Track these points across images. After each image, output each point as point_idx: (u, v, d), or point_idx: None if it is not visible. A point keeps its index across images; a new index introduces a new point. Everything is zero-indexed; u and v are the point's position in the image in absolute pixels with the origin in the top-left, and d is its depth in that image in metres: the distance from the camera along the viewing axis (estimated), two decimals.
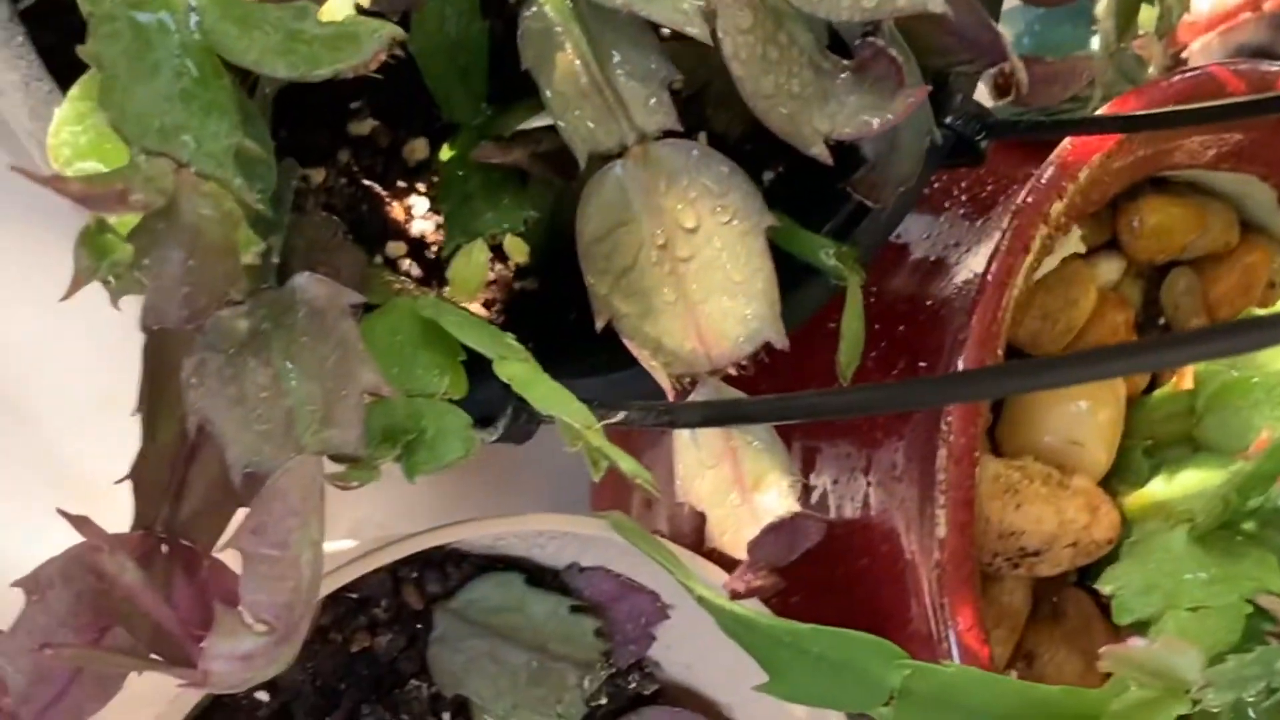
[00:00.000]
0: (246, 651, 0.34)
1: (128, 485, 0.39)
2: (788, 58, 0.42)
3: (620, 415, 0.38)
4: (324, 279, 0.37)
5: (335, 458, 0.36)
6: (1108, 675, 0.45)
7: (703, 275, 0.44)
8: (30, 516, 0.58)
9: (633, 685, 0.60)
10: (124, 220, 0.35)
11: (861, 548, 0.58)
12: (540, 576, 0.55)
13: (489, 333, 0.40)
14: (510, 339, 0.40)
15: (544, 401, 0.37)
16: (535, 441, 0.46)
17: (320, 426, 0.36)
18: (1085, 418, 0.57)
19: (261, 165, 0.34)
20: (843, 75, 0.44)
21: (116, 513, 0.38)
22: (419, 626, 0.54)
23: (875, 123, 0.43)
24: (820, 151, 0.43)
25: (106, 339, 0.55)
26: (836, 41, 0.45)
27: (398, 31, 0.34)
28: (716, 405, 0.40)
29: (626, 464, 0.37)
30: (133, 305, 0.35)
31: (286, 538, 0.35)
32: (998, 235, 0.53)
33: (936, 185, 0.62)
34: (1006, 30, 0.74)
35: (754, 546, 0.42)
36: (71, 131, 0.36)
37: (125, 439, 0.46)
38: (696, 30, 0.41)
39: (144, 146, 0.31)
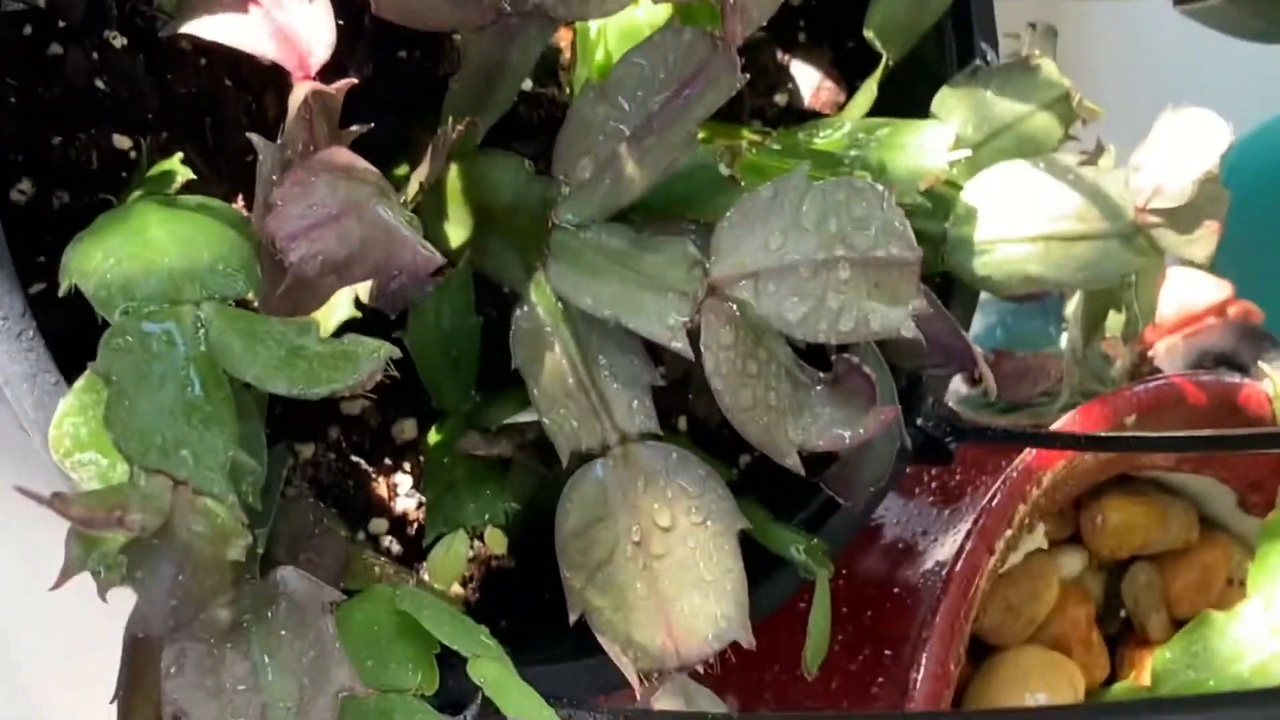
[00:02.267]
0: None
1: None
2: (766, 372, 0.44)
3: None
4: (305, 575, 0.38)
5: None
6: None
7: (676, 573, 0.45)
8: None
9: None
10: None
11: None
12: None
13: (464, 630, 0.41)
14: (485, 635, 0.41)
15: (515, 708, 0.38)
16: None
17: None
18: None
19: (254, 470, 0.36)
20: (818, 387, 0.45)
21: None
22: None
23: (848, 436, 0.45)
24: (794, 463, 0.44)
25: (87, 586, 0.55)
26: (813, 349, 0.47)
27: (394, 351, 0.36)
28: (684, 717, 0.41)
29: None
30: None
31: None
32: (964, 531, 0.55)
33: (909, 470, 0.64)
34: (979, 320, 0.77)
35: None
36: (73, 423, 0.38)
37: (104, 684, 0.46)
38: (680, 346, 0.43)
39: (144, 464, 0.33)
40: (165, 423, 0.34)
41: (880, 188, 0.44)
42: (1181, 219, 0.51)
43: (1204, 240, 0.52)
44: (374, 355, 0.35)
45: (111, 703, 0.38)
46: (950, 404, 0.68)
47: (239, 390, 0.37)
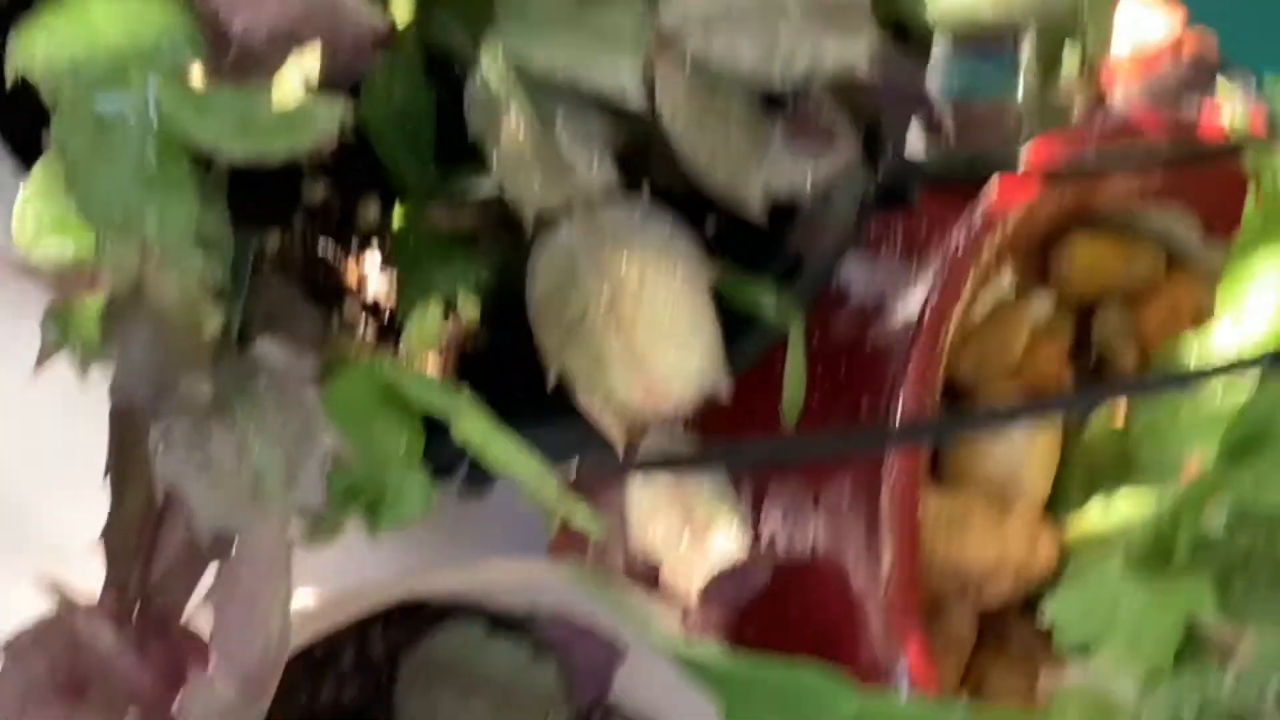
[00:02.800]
0: (218, 710, 0.36)
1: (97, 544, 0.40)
2: (724, 122, 0.44)
3: (573, 468, 0.40)
4: (284, 347, 0.39)
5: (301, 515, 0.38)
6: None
7: (649, 328, 0.45)
8: None
9: None
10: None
11: (811, 582, 0.59)
12: (500, 621, 0.56)
13: (447, 392, 0.41)
14: (466, 396, 0.42)
15: (500, 460, 0.39)
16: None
17: (285, 489, 0.38)
18: (1024, 446, 0.59)
19: (219, 240, 0.36)
20: (777, 135, 0.46)
21: (84, 569, 0.39)
22: (383, 677, 0.56)
23: (810, 177, 0.45)
24: (757, 206, 0.45)
25: (70, 392, 0.56)
26: (771, 101, 0.47)
27: (348, 111, 0.36)
28: (667, 454, 0.42)
29: (581, 516, 0.39)
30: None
31: (255, 598, 0.36)
32: (932, 281, 0.55)
33: (874, 230, 0.64)
34: (935, 74, 0.76)
35: (706, 591, 0.44)
36: (36, 208, 0.38)
37: (91, 492, 0.47)
38: (635, 102, 0.43)
39: (110, 229, 0.33)
40: (126, 191, 0.34)
41: None
42: None
43: None
44: (330, 114, 0.35)
45: (104, 479, 0.39)
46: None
47: (198, 170, 0.37)
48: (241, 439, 0.38)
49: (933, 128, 0.58)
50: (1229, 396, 0.58)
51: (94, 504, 0.41)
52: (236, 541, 0.36)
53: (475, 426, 0.40)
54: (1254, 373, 0.56)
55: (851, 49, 0.43)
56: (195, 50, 0.37)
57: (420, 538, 0.73)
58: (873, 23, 0.44)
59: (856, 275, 0.63)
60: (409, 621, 0.56)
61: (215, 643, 0.36)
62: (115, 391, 0.34)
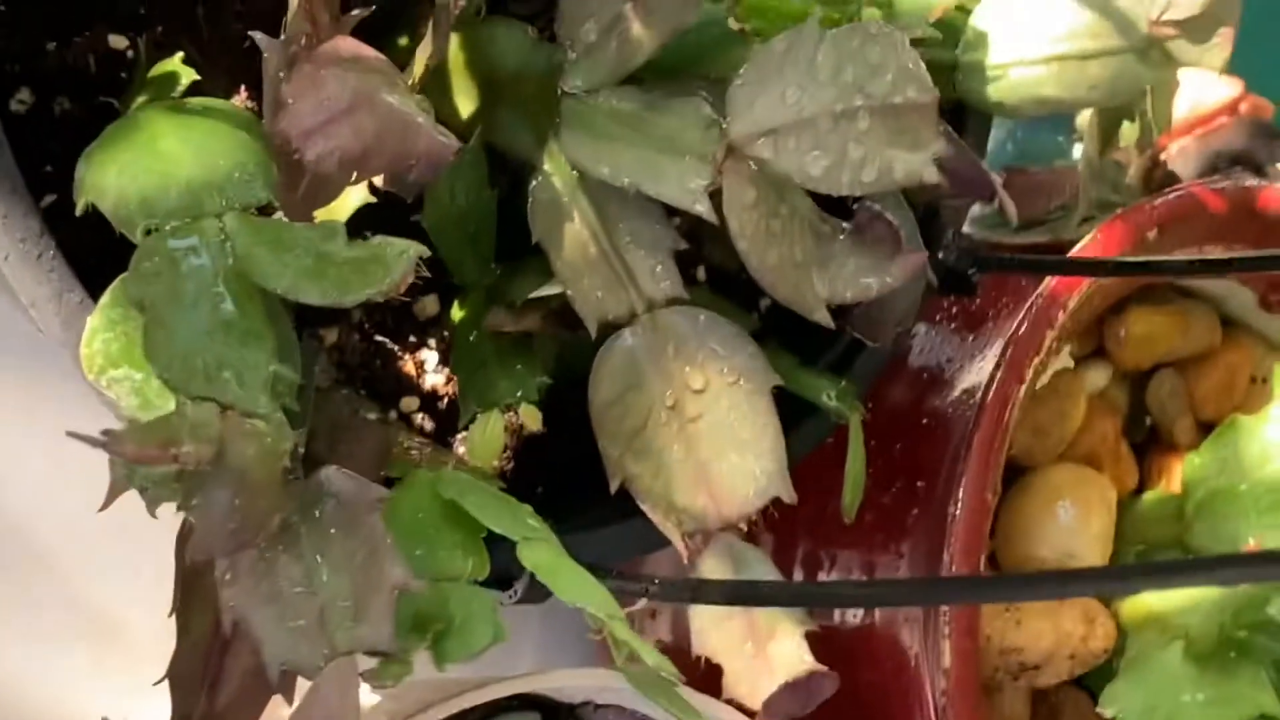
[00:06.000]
0: None
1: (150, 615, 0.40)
2: (789, 228, 0.44)
3: (643, 601, 0.39)
4: (350, 474, 0.38)
5: (368, 652, 0.38)
6: None
7: (712, 434, 0.45)
8: (52, 659, 0.59)
9: None
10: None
11: (867, 658, 0.59)
12: (555, 713, 0.56)
13: (510, 512, 0.41)
14: (530, 516, 0.41)
15: (569, 591, 0.39)
16: None
17: (353, 623, 0.37)
18: (1078, 528, 0.59)
19: (295, 383, 0.36)
20: (842, 238, 0.45)
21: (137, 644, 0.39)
22: None
23: (875, 285, 0.45)
24: (823, 317, 0.44)
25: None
26: (834, 199, 0.47)
27: (423, 250, 0.36)
28: (737, 585, 0.41)
29: (649, 655, 0.38)
30: None
31: None
32: (991, 358, 0.55)
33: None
34: (990, 137, 0.76)
35: (770, 703, 0.44)
36: (104, 340, 0.37)
37: (139, 569, 0.46)
38: (703, 210, 0.42)
39: (190, 393, 0.32)
40: (204, 345, 0.33)
41: (893, 30, 0.43)
42: (1196, 28, 0.50)
43: (1219, 48, 0.51)
44: (404, 256, 0.35)
45: (170, 616, 0.38)
46: (965, 226, 0.68)
47: (269, 295, 0.37)
48: (308, 568, 0.38)
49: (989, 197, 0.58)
50: None
51: (138, 575, 0.41)
52: (310, 686, 0.35)
53: (543, 555, 0.39)
54: None
55: (919, 159, 0.43)
56: (268, 184, 0.37)
57: None
58: (939, 128, 0.43)
59: (913, 344, 0.62)
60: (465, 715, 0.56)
61: None
62: (196, 548, 0.34)
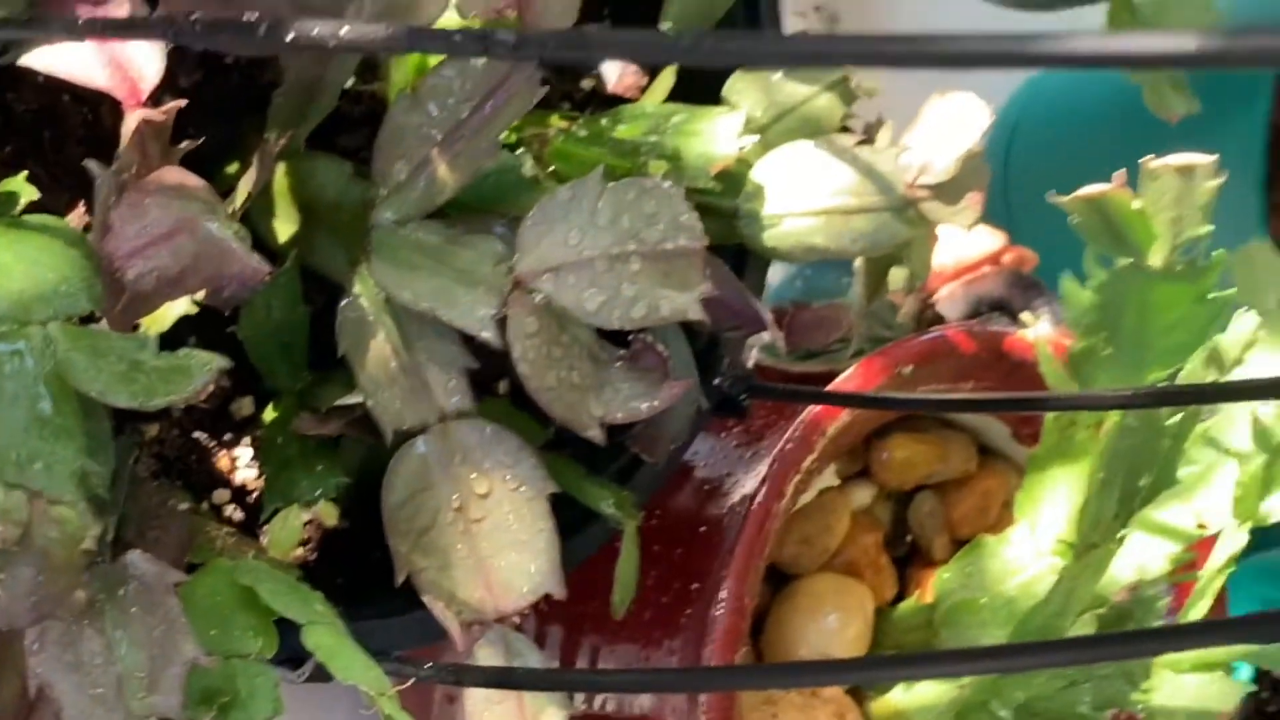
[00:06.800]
0: None
1: None
2: (569, 354, 0.49)
3: (412, 681, 0.44)
4: (151, 559, 0.43)
5: None
6: None
7: (493, 534, 0.50)
8: None
9: None
10: None
11: None
12: None
13: (300, 599, 0.45)
14: (319, 603, 0.46)
15: (345, 671, 0.43)
16: None
17: (146, 692, 0.42)
18: (836, 631, 0.65)
19: (104, 477, 0.40)
20: (617, 365, 0.51)
21: None
22: None
23: (644, 408, 0.50)
24: (595, 435, 0.50)
25: None
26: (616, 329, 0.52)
27: (225, 363, 0.40)
28: (500, 671, 0.46)
29: None
30: None
31: None
32: (761, 475, 0.61)
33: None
34: (782, 272, 0.83)
35: None
36: None
37: None
38: (490, 335, 0.47)
39: (3, 480, 0.37)
40: (20, 439, 0.38)
41: (668, 185, 0.49)
42: (947, 192, 0.57)
43: (968, 211, 0.57)
44: (206, 368, 0.40)
45: None
46: (756, 350, 0.74)
47: (85, 397, 0.41)
48: (109, 641, 0.42)
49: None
50: (1027, 589, 0.64)
51: None
52: None
53: (325, 638, 0.44)
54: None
55: (684, 299, 0.48)
56: (92, 297, 0.41)
57: None
58: (706, 273, 0.49)
59: (703, 452, 0.68)
60: None
61: None
62: (1, 619, 0.38)
